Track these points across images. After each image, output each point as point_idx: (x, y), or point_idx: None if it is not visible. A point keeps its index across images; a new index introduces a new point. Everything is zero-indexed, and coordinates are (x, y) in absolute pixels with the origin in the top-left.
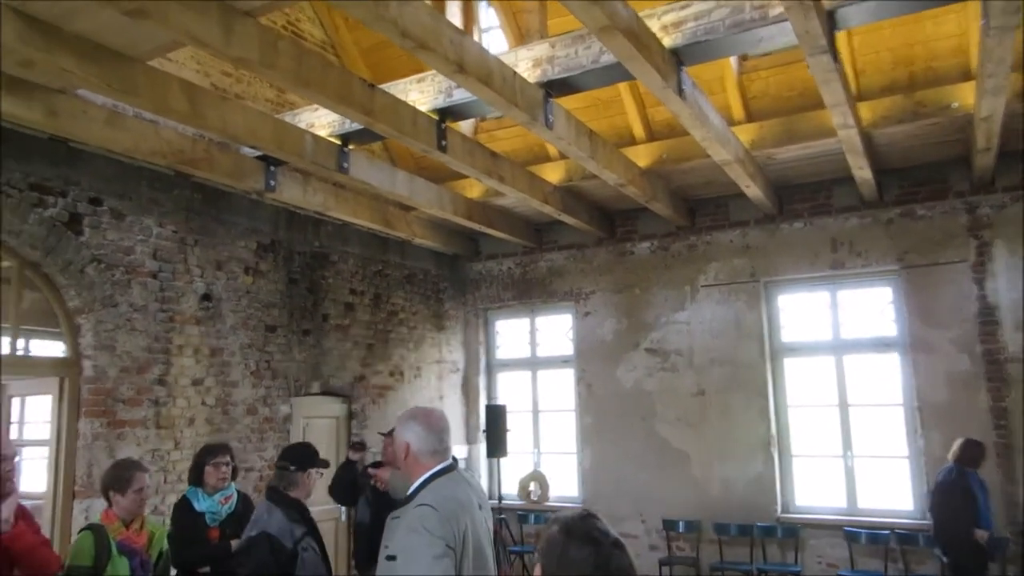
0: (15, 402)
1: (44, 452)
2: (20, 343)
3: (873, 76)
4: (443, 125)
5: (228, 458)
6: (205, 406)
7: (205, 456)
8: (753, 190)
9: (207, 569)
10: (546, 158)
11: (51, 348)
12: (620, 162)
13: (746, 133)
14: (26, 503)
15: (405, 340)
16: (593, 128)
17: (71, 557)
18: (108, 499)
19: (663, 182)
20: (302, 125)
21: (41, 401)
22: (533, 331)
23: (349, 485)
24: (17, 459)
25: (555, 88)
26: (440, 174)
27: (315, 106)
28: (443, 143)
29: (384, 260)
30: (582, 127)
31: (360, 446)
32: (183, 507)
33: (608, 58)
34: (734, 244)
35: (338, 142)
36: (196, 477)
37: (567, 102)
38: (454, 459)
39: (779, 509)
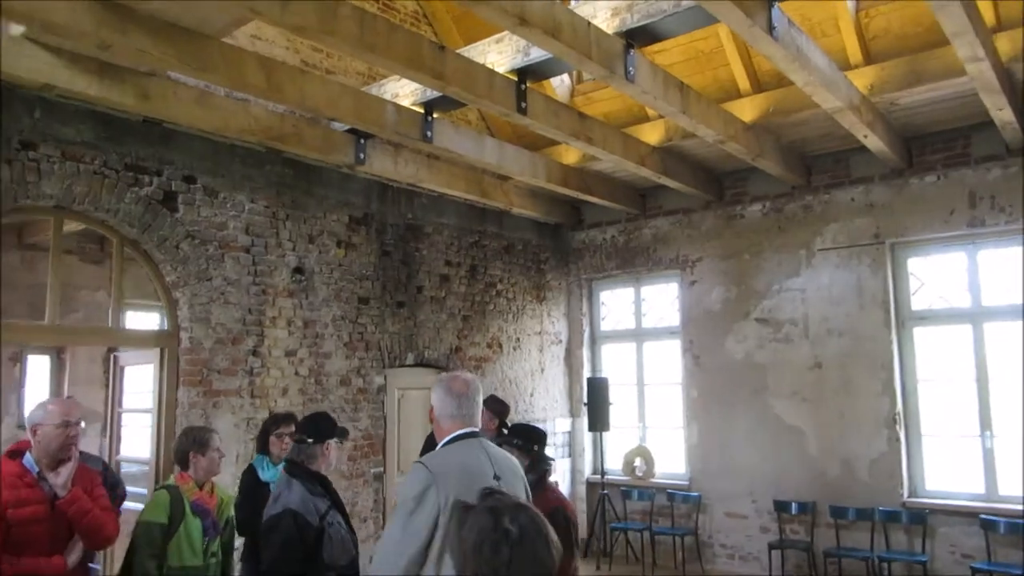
0: (128, 371)
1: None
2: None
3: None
4: (523, 87)
5: (292, 428)
6: (298, 376)
7: (269, 425)
8: (873, 140)
9: None
10: (645, 118)
11: (152, 321)
12: (718, 117)
13: (864, 77)
14: (133, 468)
15: (503, 312)
16: (695, 82)
17: (146, 512)
18: (186, 462)
19: (772, 137)
20: (387, 96)
21: (146, 371)
22: (638, 301)
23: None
24: (81, 426)
25: (636, 38)
26: (539, 142)
27: (398, 76)
28: (523, 105)
29: (481, 231)
30: (671, 80)
31: None
32: (249, 476)
33: (689, 1)
34: (855, 203)
35: (420, 111)
36: (262, 446)
37: (665, 57)
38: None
39: (905, 493)
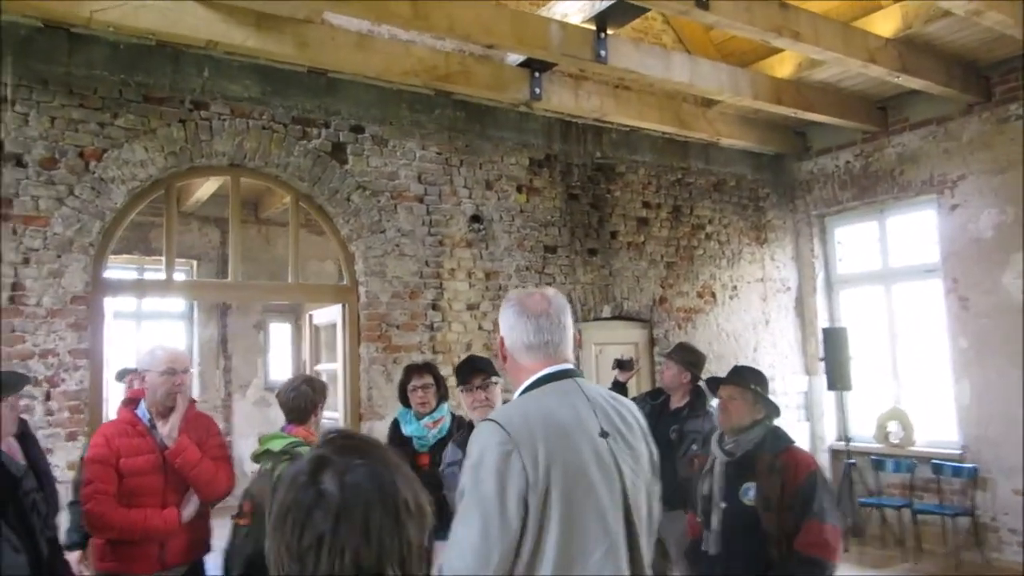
0: (323, 331)
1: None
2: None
3: None
4: None
5: (429, 379)
6: (482, 331)
7: (403, 377)
8: None
9: None
10: (875, 7)
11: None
12: None
13: None
14: (326, 423)
15: (715, 257)
16: None
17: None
18: (308, 415)
19: None
20: (556, 16)
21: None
22: (883, 236)
23: None
24: (188, 374)
25: None
26: (747, 56)
27: None
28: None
29: (684, 167)
30: None
31: (627, 365)
32: (392, 430)
33: None
34: None
35: (592, 27)
36: (403, 399)
37: None
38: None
39: None
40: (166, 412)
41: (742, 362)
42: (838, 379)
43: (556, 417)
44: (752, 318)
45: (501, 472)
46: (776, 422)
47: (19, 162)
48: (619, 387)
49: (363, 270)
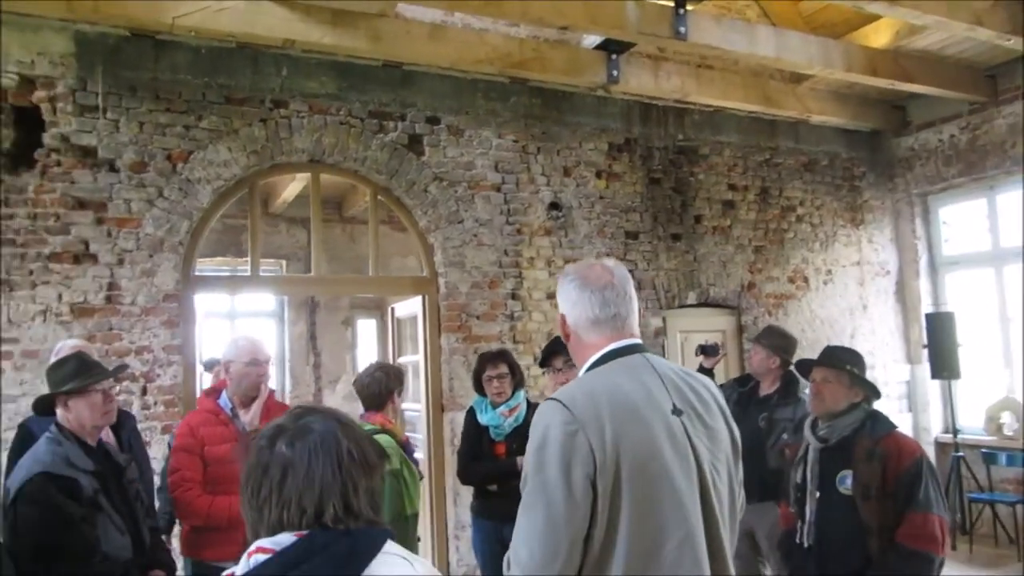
0: (403, 323)
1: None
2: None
3: None
4: None
5: (504, 368)
6: None
7: (478, 366)
8: None
9: (494, 487)
10: None
11: (415, 268)
12: None
13: None
14: (411, 415)
15: (807, 240)
16: None
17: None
18: (384, 402)
19: None
20: None
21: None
22: (992, 215)
23: None
24: (269, 365)
25: None
26: (838, 28)
27: None
28: None
29: (772, 147)
30: None
31: (712, 350)
32: (468, 418)
33: None
34: None
35: (670, 3)
36: (479, 387)
37: None
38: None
39: None
40: (248, 401)
41: None
42: (944, 367)
43: (624, 393)
44: (848, 303)
45: (566, 453)
46: (876, 406)
47: (111, 167)
48: (704, 374)
49: (442, 261)
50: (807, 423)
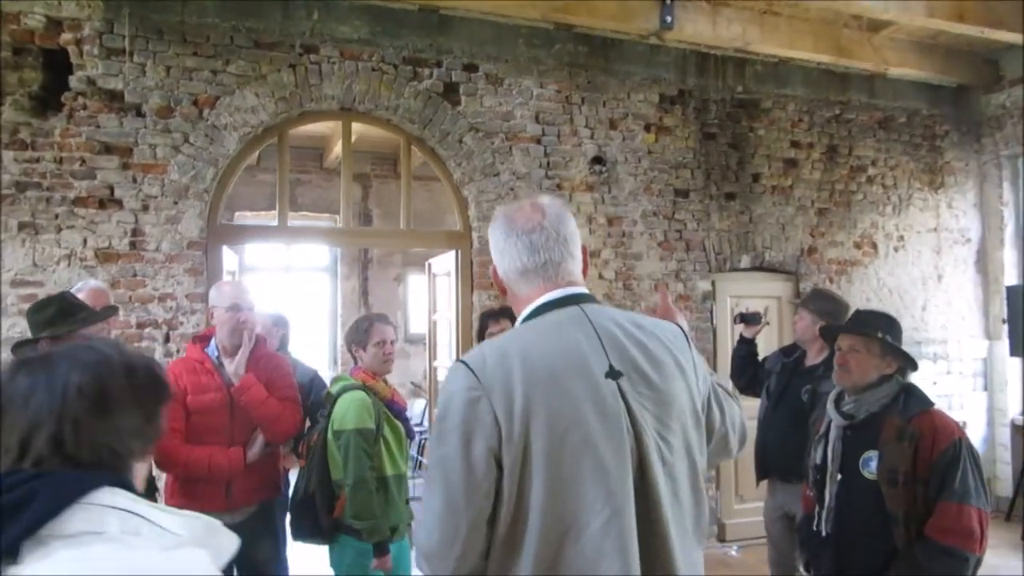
0: (440, 281)
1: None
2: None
3: None
4: None
5: (508, 324)
6: (603, 280)
7: (480, 324)
8: None
9: None
10: None
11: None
12: None
13: None
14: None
15: (878, 203)
16: None
17: (353, 420)
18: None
19: None
20: None
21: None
22: None
23: (740, 368)
24: (252, 312)
25: None
26: None
27: None
28: None
29: (842, 102)
30: None
31: (753, 319)
32: None
33: None
34: None
35: None
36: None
37: None
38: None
39: None
40: (233, 350)
41: (909, 323)
42: (1023, 343)
43: (545, 354)
44: (921, 272)
45: (467, 424)
46: (913, 379)
47: (138, 112)
48: (745, 344)
49: (476, 215)
50: (831, 397)
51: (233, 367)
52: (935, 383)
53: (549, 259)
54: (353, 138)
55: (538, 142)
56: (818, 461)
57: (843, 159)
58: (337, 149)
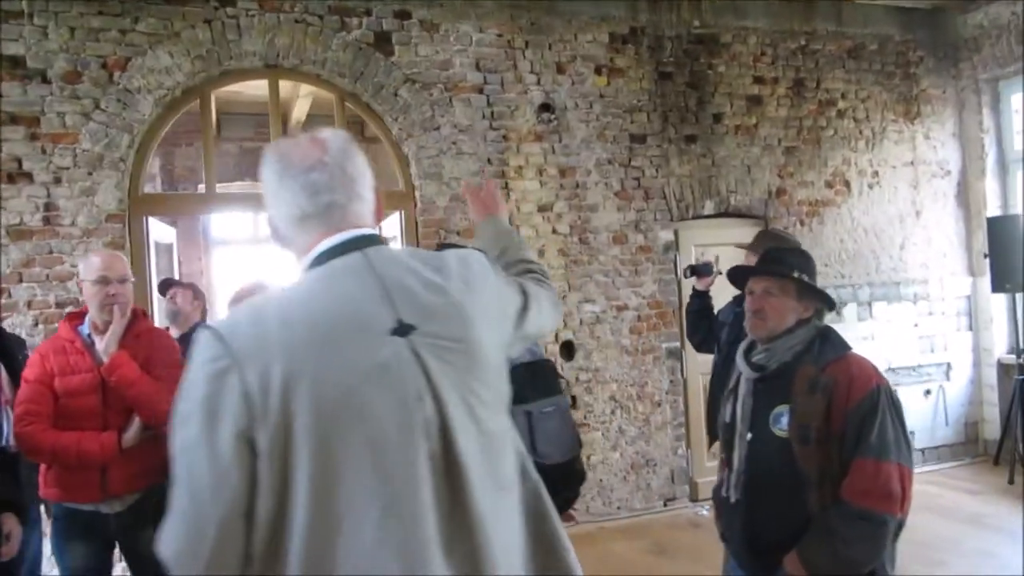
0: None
1: None
2: None
3: None
4: None
5: None
6: (557, 235)
7: None
8: None
9: None
10: None
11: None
12: None
13: None
14: None
15: (849, 138)
16: None
17: None
18: None
19: None
20: None
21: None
22: None
23: (695, 324)
24: (128, 284)
25: None
26: None
27: None
28: None
29: (808, 32)
30: None
31: (704, 269)
32: None
33: None
34: None
35: None
36: None
37: None
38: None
39: None
40: (106, 327)
41: (887, 263)
42: (1007, 279)
43: (309, 313)
44: (898, 209)
45: (211, 402)
46: (833, 322)
47: (43, 78)
48: (698, 297)
49: (417, 173)
50: (740, 348)
51: (103, 345)
52: (916, 324)
53: (333, 201)
54: (309, 100)
55: (480, 91)
56: (727, 419)
57: (811, 93)
58: (296, 114)
